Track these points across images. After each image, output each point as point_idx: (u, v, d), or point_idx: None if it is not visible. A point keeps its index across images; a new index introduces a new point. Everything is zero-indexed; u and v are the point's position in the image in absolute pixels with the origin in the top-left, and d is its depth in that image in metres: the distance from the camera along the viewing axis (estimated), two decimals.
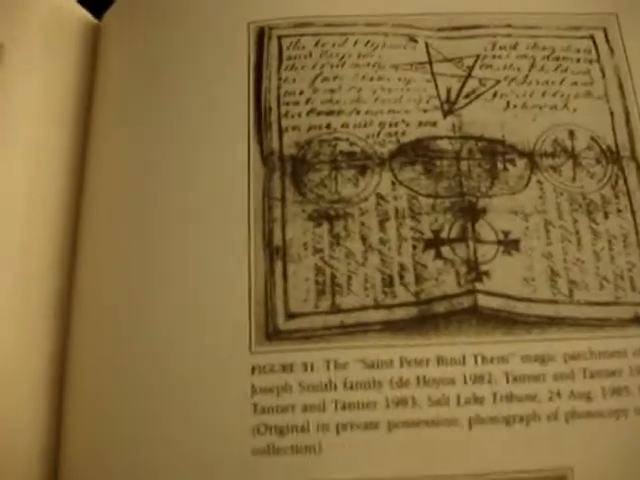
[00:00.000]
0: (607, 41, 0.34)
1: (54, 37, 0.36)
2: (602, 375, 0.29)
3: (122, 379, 0.29)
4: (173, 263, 0.30)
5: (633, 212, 0.31)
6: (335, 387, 0.29)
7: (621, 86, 0.34)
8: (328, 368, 0.29)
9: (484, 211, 0.31)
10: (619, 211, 0.32)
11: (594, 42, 0.34)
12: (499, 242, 0.31)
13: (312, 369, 0.29)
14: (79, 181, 0.34)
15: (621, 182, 0.32)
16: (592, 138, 0.33)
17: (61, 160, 0.34)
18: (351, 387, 0.29)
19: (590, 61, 0.34)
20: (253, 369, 0.29)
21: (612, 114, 0.33)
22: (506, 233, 0.31)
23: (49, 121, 0.34)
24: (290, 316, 0.30)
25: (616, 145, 0.33)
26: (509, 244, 0.31)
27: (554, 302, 0.30)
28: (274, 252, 0.30)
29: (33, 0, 0.36)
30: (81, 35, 0.37)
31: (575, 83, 0.34)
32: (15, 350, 0.30)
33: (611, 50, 0.34)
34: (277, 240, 0.31)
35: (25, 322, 0.31)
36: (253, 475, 0.28)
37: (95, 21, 0.38)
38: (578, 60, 0.34)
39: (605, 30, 0.35)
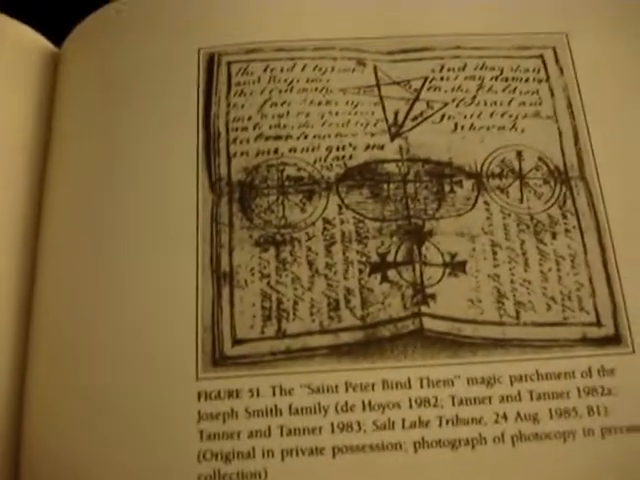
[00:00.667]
0: (556, 60, 0.35)
1: (14, 65, 0.36)
2: (549, 397, 0.29)
3: (70, 399, 0.29)
4: (121, 287, 0.31)
5: (582, 232, 0.31)
6: (281, 412, 0.29)
7: (570, 105, 0.34)
8: (274, 394, 0.29)
9: (430, 233, 0.31)
10: (567, 231, 0.31)
11: (543, 62, 0.34)
12: (445, 264, 0.31)
13: (258, 395, 0.29)
14: (37, 206, 0.34)
15: (569, 202, 0.32)
16: (540, 158, 0.33)
17: (20, 185, 0.34)
18: (296, 412, 0.29)
19: (539, 81, 0.34)
20: (199, 395, 0.29)
21: (560, 134, 0.33)
22: (452, 255, 0.31)
23: (8, 149, 0.35)
24: (237, 342, 0.30)
25: (564, 165, 0.33)
26: (455, 266, 0.31)
27: (501, 324, 0.30)
28: (221, 278, 0.31)
29: None
30: (41, 63, 0.37)
31: (523, 103, 0.34)
32: None
33: (560, 69, 0.34)
34: (224, 266, 0.31)
35: None
36: None
37: (55, 49, 0.38)
38: (527, 80, 0.34)
39: (554, 49, 0.35)
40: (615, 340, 0.30)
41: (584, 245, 0.31)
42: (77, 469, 0.29)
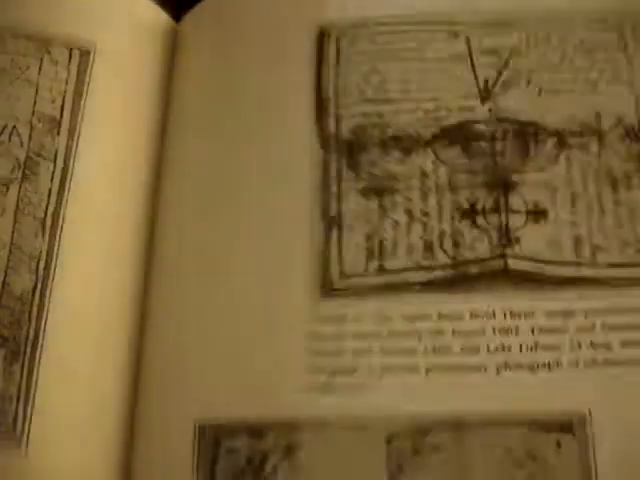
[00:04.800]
0: (633, 33, 0.37)
1: (136, 39, 0.39)
2: (621, 328, 0.32)
3: (199, 319, 0.34)
4: (251, 232, 0.35)
5: None
6: (381, 336, 0.33)
7: None
8: (375, 320, 0.33)
9: (516, 185, 0.35)
10: None
11: (622, 34, 0.37)
12: (528, 212, 0.34)
13: (361, 320, 0.33)
14: (157, 179, 0.38)
15: None
16: (617, 119, 0.36)
17: (139, 166, 0.38)
18: (395, 336, 0.33)
19: (617, 50, 0.37)
20: (312, 319, 0.33)
21: (637, 98, 0.36)
22: (535, 204, 0.34)
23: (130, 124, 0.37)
24: (344, 276, 0.34)
25: (639, 124, 0.35)
26: (538, 214, 0.34)
27: (578, 264, 0.33)
28: (331, 222, 0.35)
29: (118, 3, 0.39)
30: (160, 37, 0.40)
31: (602, 70, 0.37)
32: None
33: (637, 41, 0.37)
34: (333, 212, 0.35)
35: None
36: (309, 408, 0.32)
37: (174, 23, 0.41)
38: (606, 49, 0.37)
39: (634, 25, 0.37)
40: None
41: None
42: (188, 383, 0.33)
